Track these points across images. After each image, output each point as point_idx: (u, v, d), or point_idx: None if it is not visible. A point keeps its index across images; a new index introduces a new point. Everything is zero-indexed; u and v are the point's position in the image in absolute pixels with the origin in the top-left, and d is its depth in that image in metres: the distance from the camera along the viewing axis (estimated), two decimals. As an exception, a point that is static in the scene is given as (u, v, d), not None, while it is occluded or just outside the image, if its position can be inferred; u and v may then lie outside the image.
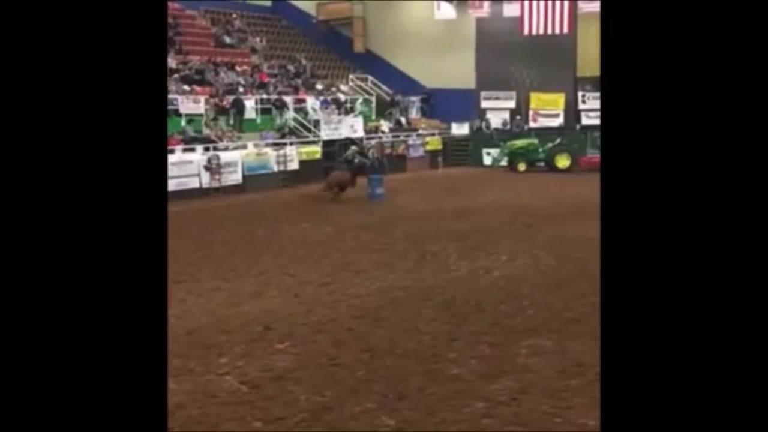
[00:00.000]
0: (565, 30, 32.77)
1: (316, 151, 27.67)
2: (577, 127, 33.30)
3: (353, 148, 25.42)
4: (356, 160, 23.91)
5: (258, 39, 36.22)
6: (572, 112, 33.31)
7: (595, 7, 30.20)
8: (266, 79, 31.98)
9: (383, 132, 32.39)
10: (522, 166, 30.04)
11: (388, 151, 30.64)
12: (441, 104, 36.19)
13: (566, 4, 31.99)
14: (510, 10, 32.49)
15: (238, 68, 31.82)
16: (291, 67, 35.03)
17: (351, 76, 36.75)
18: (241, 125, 28.04)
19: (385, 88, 36.57)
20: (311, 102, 31.47)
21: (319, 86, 34.02)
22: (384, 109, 35.06)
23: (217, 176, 24.16)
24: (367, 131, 30.90)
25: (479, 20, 33.70)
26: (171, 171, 21.14)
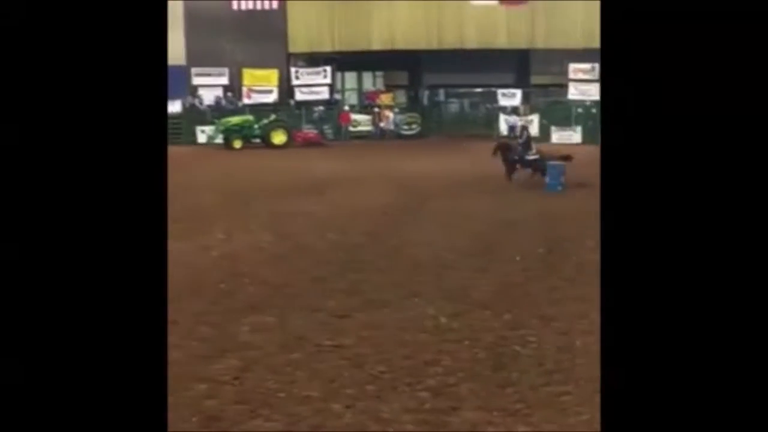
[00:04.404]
0: (275, 5, 33.01)
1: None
2: (291, 102, 33.76)
3: None
4: None
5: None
6: (286, 88, 33.68)
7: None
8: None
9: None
10: (238, 144, 29.89)
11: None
12: (151, 81, 34.90)
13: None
14: (220, -15, 32.13)
15: None
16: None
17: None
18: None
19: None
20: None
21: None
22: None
23: None
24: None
25: (188, -6, 32.98)
26: None
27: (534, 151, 18.86)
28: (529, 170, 18.81)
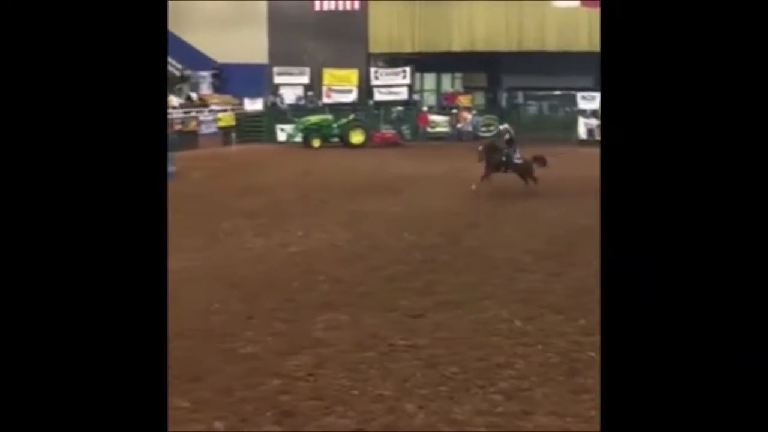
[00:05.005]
0: (356, 6, 33.21)
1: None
2: (370, 102, 33.88)
3: None
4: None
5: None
6: (365, 88, 33.83)
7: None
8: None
9: (173, 108, 31.39)
10: (317, 142, 30.15)
11: (178, 127, 29.71)
12: (233, 79, 35.54)
13: (357, -20, 32.48)
14: (302, -15, 32.47)
15: None
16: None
17: (137, 50, 35.25)
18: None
19: (173, 62, 35.42)
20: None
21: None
22: (173, 84, 33.96)
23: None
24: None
25: (271, -6, 33.43)
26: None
27: (518, 154, 18.54)
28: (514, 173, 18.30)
